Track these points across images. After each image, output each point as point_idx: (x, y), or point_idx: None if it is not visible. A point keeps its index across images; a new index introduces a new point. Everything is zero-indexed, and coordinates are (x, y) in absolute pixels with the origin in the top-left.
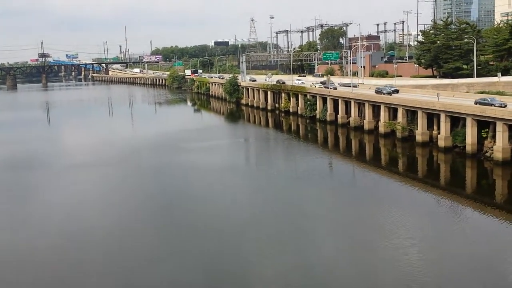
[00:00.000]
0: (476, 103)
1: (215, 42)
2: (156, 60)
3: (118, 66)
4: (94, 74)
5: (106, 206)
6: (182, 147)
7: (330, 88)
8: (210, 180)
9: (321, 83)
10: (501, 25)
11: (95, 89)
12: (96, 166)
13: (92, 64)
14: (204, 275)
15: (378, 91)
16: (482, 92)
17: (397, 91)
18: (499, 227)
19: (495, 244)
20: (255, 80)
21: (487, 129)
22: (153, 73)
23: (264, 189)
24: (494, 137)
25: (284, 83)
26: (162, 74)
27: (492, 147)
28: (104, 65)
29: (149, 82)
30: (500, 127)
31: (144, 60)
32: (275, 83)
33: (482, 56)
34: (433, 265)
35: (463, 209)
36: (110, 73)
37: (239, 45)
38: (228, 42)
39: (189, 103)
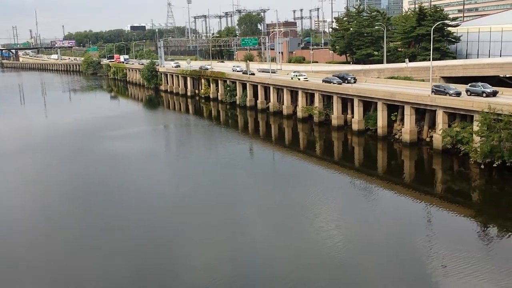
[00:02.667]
0: (432, 91)
1: (131, 26)
2: (69, 45)
3: (29, 51)
4: (3, 61)
5: (18, 196)
6: (99, 135)
7: (248, 74)
8: (128, 169)
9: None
10: (408, 13)
11: (4, 76)
12: (8, 155)
13: (1, 50)
14: (125, 271)
15: (327, 81)
16: (391, 77)
17: (355, 80)
18: (407, 203)
19: (403, 218)
20: (179, 66)
21: (396, 113)
22: (71, 59)
23: (185, 176)
24: (402, 120)
25: (208, 69)
26: (75, 59)
27: (401, 129)
28: (14, 51)
29: (63, 69)
30: (408, 111)
31: (56, 45)
32: (197, 69)
33: (392, 42)
34: (349, 242)
35: (375, 188)
36: (21, 59)
37: (156, 30)
38: (144, 27)
39: (105, 90)
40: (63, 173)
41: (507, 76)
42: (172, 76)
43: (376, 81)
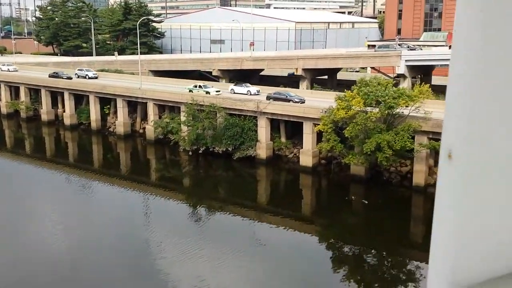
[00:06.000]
0: (268, 98)
1: None
2: None
3: None
4: None
5: None
6: None
7: None
8: None
9: None
10: (115, 6)
11: None
12: None
13: None
14: None
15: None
16: (102, 70)
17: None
18: (126, 194)
19: (123, 209)
20: None
21: (109, 106)
22: None
23: None
24: (116, 113)
25: None
26: None
27: (115, 122)
28: None
29: None
30: (120, 103)
31: None
32: None
33: (100, 35)
34: (69, 240)
35: (93, 182)
36: None
37: None
38: None
39: None
40: None
41: (206, 70)
42: None
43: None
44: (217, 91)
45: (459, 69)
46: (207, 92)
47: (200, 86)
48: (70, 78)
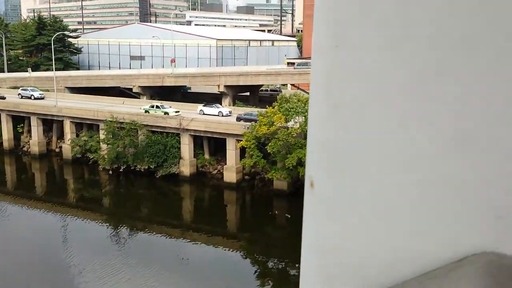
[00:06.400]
0: (238, 119)
1: None
2: None
3: None
4: None
5: None
6: None
7: None
8: None
9: None
10: (28, 20)
11: None
12: None
13: None
14: None
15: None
16: (14, 87)
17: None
18: (43, 216)
19: (41, 233)
20: None
21: (22, 124)
22: None
23: None
24: (30, 131)
25: None
26: None
27: (29, 141)
28: None
29: None
30: (34, 122)
31: None
32: None
33: (12, 51)
34: None
35: (7, 206)
36: None
37: None
38: None
39: None
40: None
41: (126, 87)
42: None
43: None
44: (176, 112)
45: (314, 103)
46: (166, 113)
47: (157, 107)
48: None
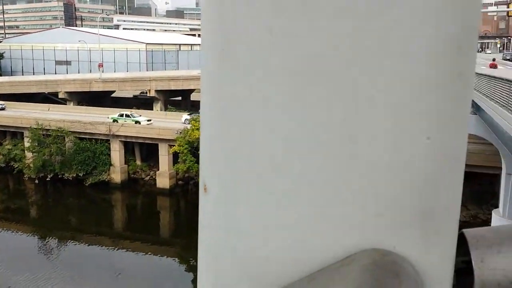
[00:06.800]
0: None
1: None
2: None
3: None
4: None
5: None
6: None
7: None
8: None
9: None
10: None
11: None
12: None
13: None
14: None
15: None
16: None
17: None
18: None
19: None
20: None
21: None
22: None
23: None
24: None
25: None
26: None
27: None
28: None
29: None
30: None
31: None
32: None
33: None
34: None
35: None
36: None
37: None
38: None
39: None
40: None
41: (52, 93)
42: None
43: None
44: (148, 120)
45: (204, 107)
46: (137, 122)
47: (127, 115)
48: None
